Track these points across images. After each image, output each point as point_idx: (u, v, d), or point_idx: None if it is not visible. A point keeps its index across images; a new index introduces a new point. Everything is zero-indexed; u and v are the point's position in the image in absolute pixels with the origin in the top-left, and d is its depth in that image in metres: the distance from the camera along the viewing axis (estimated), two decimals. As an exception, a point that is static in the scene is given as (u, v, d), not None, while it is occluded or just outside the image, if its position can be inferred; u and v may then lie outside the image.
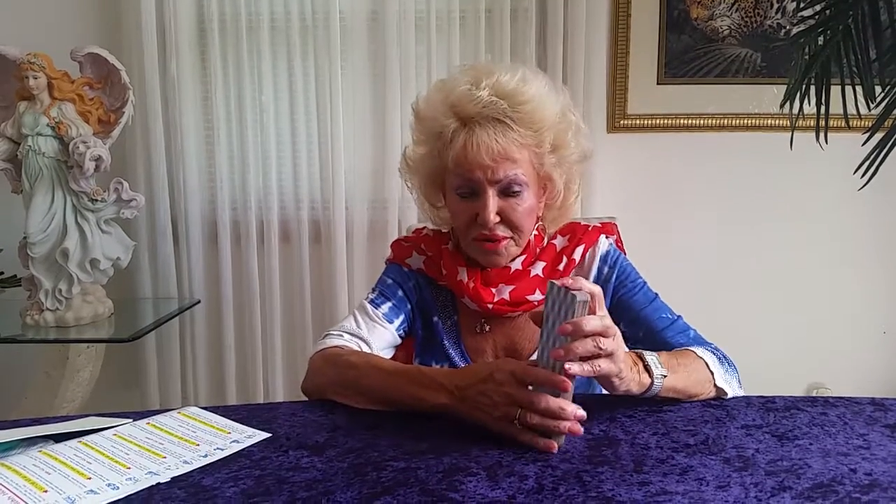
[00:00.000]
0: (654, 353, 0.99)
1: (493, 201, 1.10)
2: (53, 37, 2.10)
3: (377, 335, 1.19)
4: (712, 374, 1.04)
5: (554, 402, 0.86)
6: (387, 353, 1.22)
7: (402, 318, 1.23)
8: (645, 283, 1.23)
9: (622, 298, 1.20)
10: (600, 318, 0.87)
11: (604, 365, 0.87)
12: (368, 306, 1.22)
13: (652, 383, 0.96)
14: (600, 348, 0.86)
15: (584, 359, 0.86)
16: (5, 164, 1.96)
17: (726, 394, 1.05)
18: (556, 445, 0.87)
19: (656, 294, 1.21)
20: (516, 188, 1.11)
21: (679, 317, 1.19)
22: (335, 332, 1.18)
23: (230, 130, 2.32)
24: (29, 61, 1.86)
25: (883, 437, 0.90)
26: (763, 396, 1.06)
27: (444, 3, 2.26)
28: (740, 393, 1.07)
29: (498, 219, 1.11)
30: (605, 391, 0.95)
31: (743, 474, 0.80)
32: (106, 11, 2.27)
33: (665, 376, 0.97)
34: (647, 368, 0.96)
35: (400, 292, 1.25)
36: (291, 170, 2.35)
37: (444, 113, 1.12)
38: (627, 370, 0.92)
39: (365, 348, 1.16)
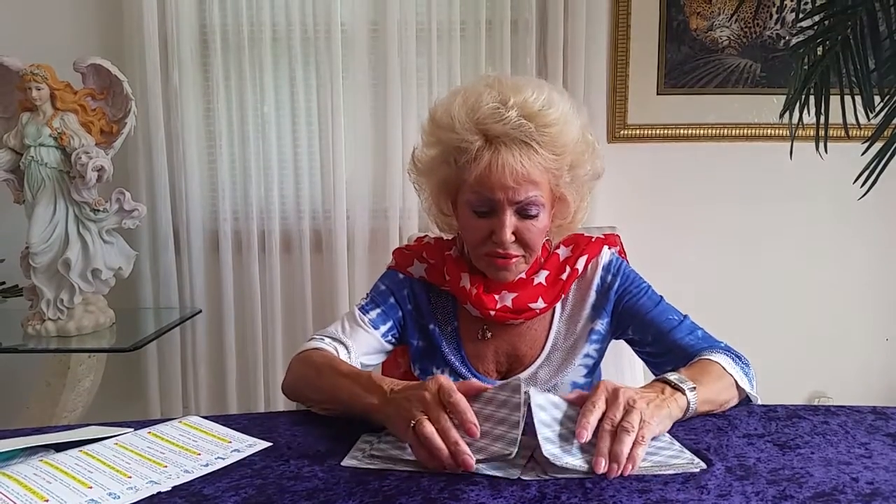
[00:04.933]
0: (673, 373, 0.98)
1: (510, 221, 1.10)
2: (56, 48, 2.11)
3: (360, 340, 1.20)
4: (732, 375, 1.04)
5: (453, 434, 0.82)
6: (372, 359, 1.23)
7: (389, 324, 1.24)
8: (649, 286, 1.23)
9: (627, 304, 1.21)
10: (605, 392, 0.87)
11: (641, 448, 0.82)
12: (357, 312, 1.23)
13: (689, 402, 0.94)
14: (628, 431, 0.82)
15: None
16: (8, 174, 1.96)
17: (746, 395, 1.05)
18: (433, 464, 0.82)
19: (661, 296, 1.22)
20: (533, 210, 1.11)
21: (686, 317, 1.19)
22: (318, 336, 1.20)
23: (232, 140, 2.33)
24: (32, 72, 1.87)
25: (884, 446, 0.90)
26: (764, 405, 1.06)
27: (444, 13, 2.27)
28: (755, 392, 1.06)
29: (513, 238, 1.12)
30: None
31: (744, 483, 0.79)
32: (108, 23, 2.28)
33: (694, 388, 0.95)
34: (676, 387, 0.95)
35: (392, 299, 1.25)
36: (293, 179, 2.35)
37: (468, 129, 1.10)
38: (657, 413, 0.88)
39: (343, 353, 1.17)
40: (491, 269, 1.16)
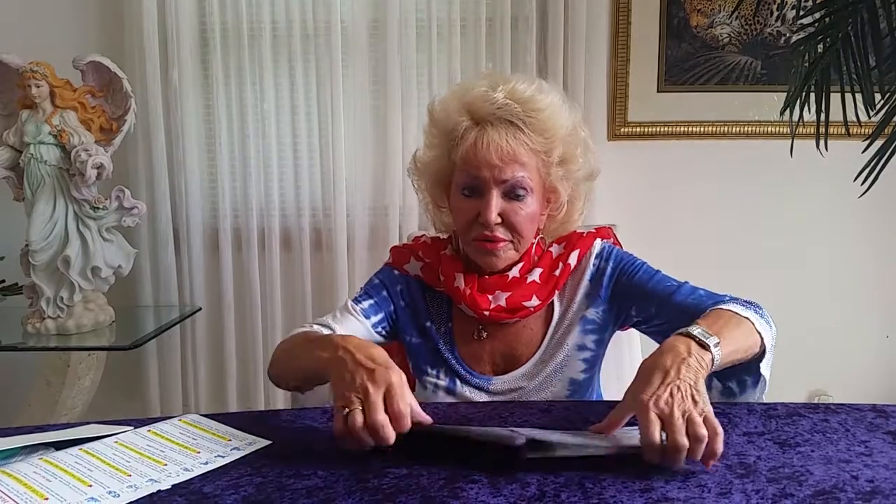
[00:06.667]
0: (695, 325, 0.94)
1: (496, 201, 1.11)
2: (56, 45, 2.11)
3: (349, 327, 1.19)
4: (750, 320, 1.02)
5: (382, 417, 0.83)
6: None
7: (381, 316, 1.24)
8: (644, 262, 1.22)
9: (624, 282, 1.20)
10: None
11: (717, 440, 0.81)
12: (349, 303, 1.24)
13: (713, 358, 0.90)
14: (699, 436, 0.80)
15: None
16: (7, 172, 1.96)
17: (766, 341, 1.02)
18: (367, 442, 0.83)
19: (658, 269, 1.21)
20: (521, 192, 1.11)
21: (685, 282, 1.17)
22: (307, 324, 1.21)
23: (231, 138, 2.32)
24: (31, 70, 1.87)
25: (885, 444, 0.90)
26: (764, 403, 1.05)
27: (444, 10, 2.27)
28: (774, 331, 1.05)
29: (499, 220, 1.11)
30: (603, 397, 0.94)
31: (744, 481, 0.79)
32: (108, 20, 2.28)
33: (719, 344, 0.92)
34: (702, 344, 0.90)
35: (384, 293, 1.26)
36: (292, 177, 2.35)
37: (458, 111, 1.13)
38: (690, 376, 0.86)
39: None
40: (479, 254, 1.16)
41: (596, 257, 1.23)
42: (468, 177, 1.12)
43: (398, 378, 0.87)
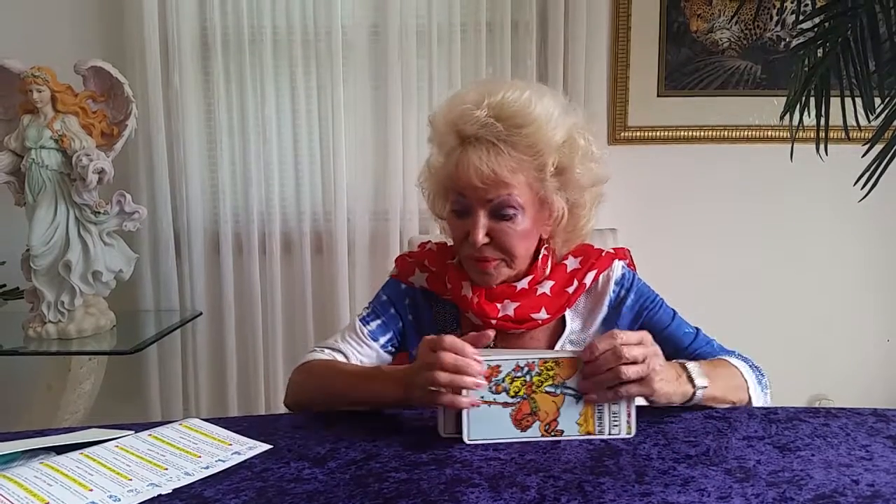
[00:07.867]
0: (694, 363, 1.02)
1: (482, 222, 1.08)
2: (57, 50, 2.11)
3: (357, 350, 1.20)
4: (746, 381, 1.08)
5: (460, 360, 0.91)
6: None
7: (389, 335, 1.24)
8: (663, 300, 1.23)
9: (645, 318, 1.21)
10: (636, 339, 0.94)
11: (633, 390, 0.93)
12: (357, 323, 1.24)
13: (694, 394, 0.99)
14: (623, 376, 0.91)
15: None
16: (9, 176, 1.97)
17: (752, 403, 1.09)
18: (462, 403, 0.91)
19: (674, 310, 1.22)
20: (509, 212, 1.09)
21: (698, 329, 1.20)
22: (318, 348, 1.21)
23: (232, 142, 2.33)
24: (33, 75, 1.87)
25: (885, 449, 0.90)
26: (765, 408, 1.06)
27: (445, 16, 2.27)
28: (767, 400, 1.11)
29: (488, 240, 1.09)
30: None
31: (744, 485, 0.80)
32: (109, 25, 2.29)
33: (706, 387, 1.00)
34: (690, 379, 1.00)
35: (392, 310, 1.25)
36: (293, 181, 2.35)
37: (446, 128, 1.12)
38: (665, 385, 0.96)
39: (342, 360, 1.18)
40: (473, 271, 1.15)
41: (616, 284, 1.22)
42: (456, 197, 1.11)
43: (431, 339, 0.95)
